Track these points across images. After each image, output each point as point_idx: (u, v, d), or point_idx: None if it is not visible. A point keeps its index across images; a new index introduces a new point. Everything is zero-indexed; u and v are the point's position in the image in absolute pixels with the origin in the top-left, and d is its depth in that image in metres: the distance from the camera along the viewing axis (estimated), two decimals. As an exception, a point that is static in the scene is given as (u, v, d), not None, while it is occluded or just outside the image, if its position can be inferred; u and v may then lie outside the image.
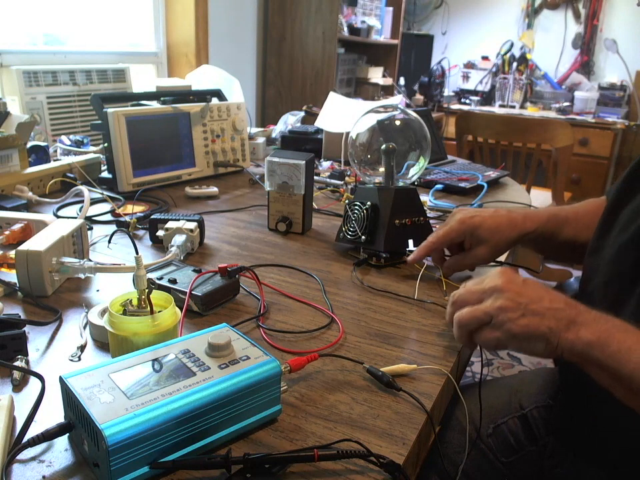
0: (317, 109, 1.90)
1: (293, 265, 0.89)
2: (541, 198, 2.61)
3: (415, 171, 1.00)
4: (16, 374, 0.57)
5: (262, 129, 1.89)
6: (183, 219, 0.93)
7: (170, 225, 0.92)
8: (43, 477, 0.45)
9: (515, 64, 3.86)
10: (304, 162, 1.00)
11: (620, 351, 0.54)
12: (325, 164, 1.56)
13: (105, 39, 2.11)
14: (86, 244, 0.86)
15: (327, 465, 0.47)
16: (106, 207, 1.12)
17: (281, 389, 0.52)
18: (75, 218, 0.98)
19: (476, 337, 0.60)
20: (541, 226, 0.84)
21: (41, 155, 1.30)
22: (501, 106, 3.88)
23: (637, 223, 0.68)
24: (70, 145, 1.46)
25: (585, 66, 3.77)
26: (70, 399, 0.46)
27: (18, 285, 0.75)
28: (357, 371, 0.61)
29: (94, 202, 1.14)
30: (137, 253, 0.65)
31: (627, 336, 0.55)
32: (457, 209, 0.88)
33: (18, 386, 0.56)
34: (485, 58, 4.01)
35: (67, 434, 0.48)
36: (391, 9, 3.37)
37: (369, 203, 0.90)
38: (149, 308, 0.59)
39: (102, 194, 1.14)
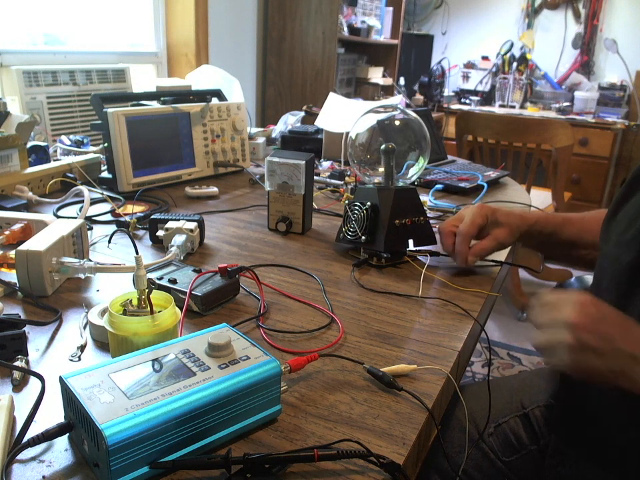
0: (317, 108, 1.89)
1: (293, 265, 0.89)
2: (541, 198, 2.60)
3: (415, 171, 1.00)
4: (16, 374, 0.57)
5: (262, 129, 1.89)
6: (183, 219, 0.93)
7: (170, 224, 0.92)
8: (43, 477, 0.45)
9: (515, 64, 3.86)
10: (304, 162, 1.00)
11: None
12: (325, 164, 1.56)
13: (105, 39, 2.11)
14: (86, 244, 0.86)
15: (327, 464, 0.47)
16: (106, 207, 1.12)
17: (281, 389, 0.52)
18: (75, 218, 0.98)
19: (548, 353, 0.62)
20: (541, 218, 0.88)
21: (41, 155, 1.30)
22: (501, 106, 3.88)
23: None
24: (70, 145, 1.46)
25: (585, 66, 3.77)
26: (70, 399, 0.46)
27: (18, 285, 0.75)
28: (357, 371, 0.61)
29: (94, 202, 1.14)
30: (137, 253, 0.65)
31: None
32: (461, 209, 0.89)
33: (18, 386, 0.56)
34: (485, 58, 4.00)
35: (67, 434, 0.48)
36: (390, 9, 3.37)
37: (369, 203, 0.90)
38: (149, 308, 0.59)
39: (102, 194, 1.14)
